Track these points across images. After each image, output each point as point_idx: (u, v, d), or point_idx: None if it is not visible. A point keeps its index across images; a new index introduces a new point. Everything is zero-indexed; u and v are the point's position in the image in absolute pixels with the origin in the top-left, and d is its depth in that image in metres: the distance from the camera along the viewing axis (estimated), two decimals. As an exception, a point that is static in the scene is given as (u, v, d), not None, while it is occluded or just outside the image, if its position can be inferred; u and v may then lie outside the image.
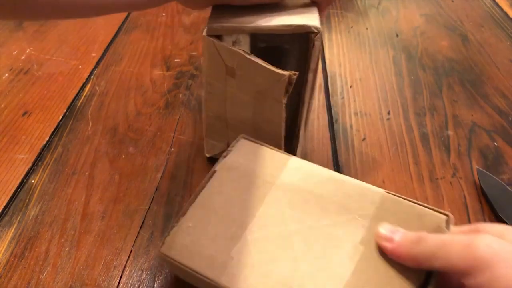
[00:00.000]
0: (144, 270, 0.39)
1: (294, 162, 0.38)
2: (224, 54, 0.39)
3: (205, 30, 0.38)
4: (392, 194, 0.35)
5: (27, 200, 0.45)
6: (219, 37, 0.38)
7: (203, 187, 0.37)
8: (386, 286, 0.30)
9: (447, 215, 0.33)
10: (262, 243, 0.33)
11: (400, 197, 0.34)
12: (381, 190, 0.35)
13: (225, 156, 0.39)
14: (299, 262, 0.32)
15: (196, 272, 0.33)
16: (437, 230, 0.32)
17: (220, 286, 0.32)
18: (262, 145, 0.40)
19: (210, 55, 0.40)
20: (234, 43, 0.39)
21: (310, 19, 0.38)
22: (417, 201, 0.34)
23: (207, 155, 0.49)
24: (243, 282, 0.31)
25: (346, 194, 0.35)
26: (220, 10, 0.40)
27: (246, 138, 0.41)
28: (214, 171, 0.38)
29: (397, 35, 0.73)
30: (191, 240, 0.34)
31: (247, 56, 0.38)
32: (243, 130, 0.43)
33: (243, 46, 0.39)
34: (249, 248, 0.33)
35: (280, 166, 0.38)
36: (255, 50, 0.39)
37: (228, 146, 0.42)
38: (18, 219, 0.44)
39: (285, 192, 0.36)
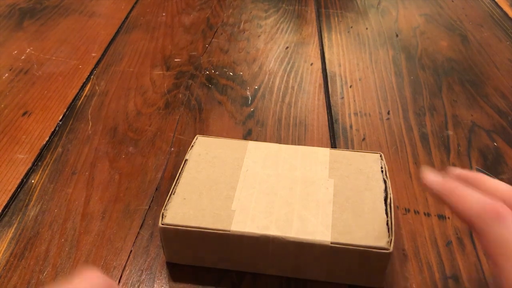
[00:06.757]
0: (144, 270, 0.39)
1: (253, 143, 0.44)
2: None
3: None
4: (335, 149, 0.44)
5: (27, 200, 0.46)
6: None
7: (181, 173, 0.41)
8: (361, 197, 0.39)
9: (379, 153, 0.43)
10: (255, 196, 0.39)
11: (341, 149, 0.44)
12: (327, 148, 0.45)
13: (191, 149, 0.44)
14: (289, 200, 0.38)
15: (206, 228, 0.36)
16: (376, 162, 0.42)
17: (232, 235, 0.36)
18: (219, 137, 0.45)
19: None
20: None
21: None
22: (353, 150, 0.45)
23: None
24: (251, 224, 0.36)
25: (303, 153, 0.43)
26: None
27: (202, 136, 0.46)
28: (186, 160, 0.42)
29: (396, 35, 0.73)
30: (190, 207, 0.38)
31: None
32: None
33: None
34: (245, 201, 0.38)
35: (243, 146, 0.44)
36: None
37: None
38: (18, 219, 0.44)
39: (256, 161, 0.42)
